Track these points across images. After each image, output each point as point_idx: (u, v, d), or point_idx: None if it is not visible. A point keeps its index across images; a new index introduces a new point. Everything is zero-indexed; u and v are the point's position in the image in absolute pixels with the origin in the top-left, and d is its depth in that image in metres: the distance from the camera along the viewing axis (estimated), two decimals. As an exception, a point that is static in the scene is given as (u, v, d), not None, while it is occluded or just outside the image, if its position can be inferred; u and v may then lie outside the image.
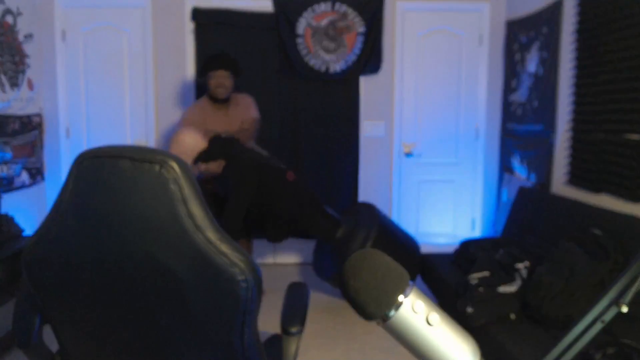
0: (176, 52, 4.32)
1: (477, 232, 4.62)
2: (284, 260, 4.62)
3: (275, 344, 1.56)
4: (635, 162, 2.63)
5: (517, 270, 2.70)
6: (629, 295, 0.66)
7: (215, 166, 3.32)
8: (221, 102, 3.63)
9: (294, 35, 4.36)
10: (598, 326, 0.68)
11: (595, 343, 1.67)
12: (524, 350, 2.21)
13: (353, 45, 4.38)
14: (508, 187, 4.32)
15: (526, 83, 3.97)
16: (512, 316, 2.53)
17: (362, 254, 0.58)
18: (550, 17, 3.58)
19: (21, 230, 3.40)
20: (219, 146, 3.33)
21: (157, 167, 1.01)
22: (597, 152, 2.98)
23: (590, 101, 3.09)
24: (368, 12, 4.36)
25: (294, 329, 1.43)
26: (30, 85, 4.01)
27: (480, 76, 4.52)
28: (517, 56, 4.14)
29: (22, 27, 3.89)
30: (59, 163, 4.32)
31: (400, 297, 0.55)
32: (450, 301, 2.83)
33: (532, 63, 3.87)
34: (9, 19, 3.73)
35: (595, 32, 3.03)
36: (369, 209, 3.62)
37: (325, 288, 3.85)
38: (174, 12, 4.33)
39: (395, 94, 4.51)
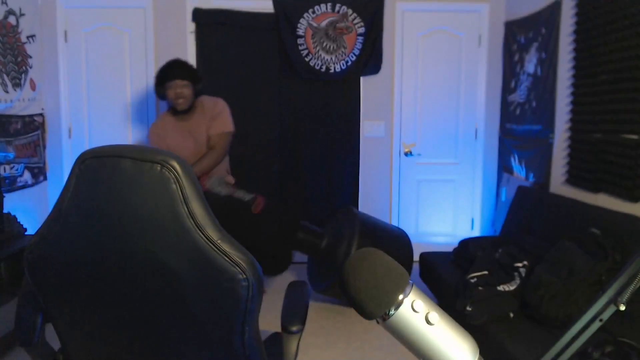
0: (177, 52, 4.32)
1: (476, 232, 4.62)
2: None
3: (276, 342, 1.57)
4: (634, 162, 2.64)
5: (516, 269, 2.71)
6: (627, 294, 0.67)
7: None
8: (183, 113, 3.33)
9: (294, 35, 4.36)
10: (596, 325, 0.69)
11: (593, 341, 1.68)
12: (522, 349, 2.21)
13: (353, 45, 4.39)
14: (507, 186, 4.33)
15: (525, 83, 3.98)
16: (511, 315, 2.54)
17: (362, 253, 0.58)
18: (548, 18, 3.59)
19: (23, 230, 3.41)
20: None
21: (158, 167, 1.02)
22: (595, 152, 2.99)
23: (589, 101, 3.10)
24: (368, 13, 4.37)
25: (294, 328, 1.43)
26: (33, 86, 4.01)
27: (480, 76, 4.52)
28: (516, 56, 4.15)
29: (25, 28, 3.90)
30: (61, 163, 4.32)
31: (400, 296, 0.55)
32: (450, 300, 2.83)
33: (530, 63, 3.88)
34: (12, 20, 3.74)
35: (594, 32, 3.03)
36: (348, 212, 3.53)
37: (325, 287, 3.85)
38: (174, 13, 4.33)
39: (395, 94, 4.51)
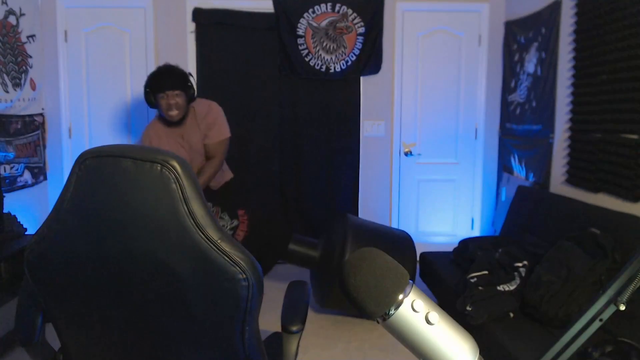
0: (177, 52, 4.32)
1: (476, 231, 4.62)
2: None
3: (276, 342, 1.57)
4: (634, 162, 2.64)
5: (516, 269, 2.71)
6: (627, 294, 0.67)
7: None
8: (176, 123, 3.18)
9: (294, 35, 4.36)
10: (596, 324, 0.69)
11: (593, 341, 1.68)
12: (523, 348, 2.21)
13: (353, 45, 4.39)
14: (507, 186, 4.33)
15: (525, 83, 3.98)
16: (511, 315, 2.54)
17: (362, 253, 0.58)
18: (548, 18, 3.59)
19: (24, 229, 3.41)
20: None
21: (158, 167, 1.02)
22: (595, 151, 2.99)
23: (589, 101, 3.10)
24: (368, 13, 4.37)
25: (294, 328, 1.44)
26: (33, 86, 4.02)
27: (480, 76, 4.52)
28: (516, 56, 4.15)
29: (25, 28, 3.90)
30: (61, 162, 4.33)
31: (400, 296, 0.55)
32: (450, 300, 2.84)
33: (530, 63, 3.88)
34: (12, 19, 3.74)
35: (594, 32, 3.03)
36: (340, 219, 3.39)
37: (325, 287, 3.85)
38: (175, 13, 4.33)
39: (395, 94, 4.51)
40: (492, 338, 2.40)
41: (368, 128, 4.54)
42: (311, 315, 3.45)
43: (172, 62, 4.42)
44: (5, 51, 3.64)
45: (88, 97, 4.35)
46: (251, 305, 1.07)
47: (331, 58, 4.39)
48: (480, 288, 2.66)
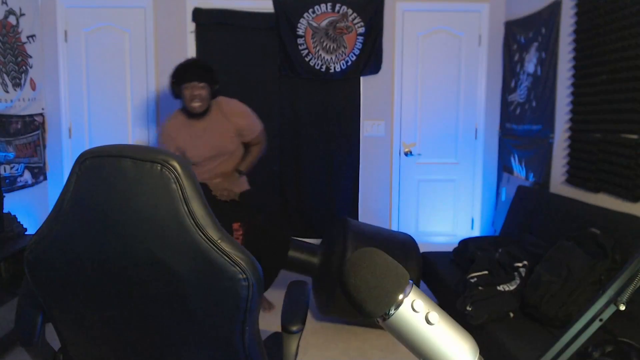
0: (177, 52, 4.33)
1: (476, 232, 4.62)
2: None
3: (276, 342, 1.57)
4: (634, 162, 2.64)
5: (516, 269, 2.71)
6: (627, 294, 0.67)
7: None
8: (198, 115, 3.25)
9: (294, 35, 4.36)
10: (596, 324, 0.69)
11: (593, 341, 1.68)
12: (523, 348, 2.21)
13: (353, 45, 4.39)
14: (507, 186, 4.33)
15: (525, 83, 3.98)
16: (511, 315, 2.54)
17: (362, 253, 0.58)
18: (548, 18, 3.59)
19: (24, 229, 3.41)
20: None
21: (158, 167, 1.02)
22: (595, 151, 2.99)
23: (589, 101, 3.10)
24: (368, 13, 4.37)
25: (294, 327, 1.44)
26: (33, 86, 4.01)
27: (480, 76, 4.52)
28: (516, 56, 4.15)
29: (25, 28, 3.90)
30: (61, 162, 4.33)
31: (400, 296, 0.55)
32: (450, 300, 2.84)
33: (530, 63, 3.88)
34: (12, 19, 3.74)
35: (594, 32, 3.03)
36: (340, 223, 3.34)
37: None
38: (175, 13, 4.33)
39: (395, 94, 4.51)
40: (492, 338, 2.40)
41: (368, 128, 4.54)
42: (311, 315, 3.45)
43: (172, 62, 4.43)
44: (5, 51, 3.64)
45: (88, 97, 4.35)
46: (251, 305, 1.07)
47: (331, 58, 4.39)
48: (480, 288, 2.65)
